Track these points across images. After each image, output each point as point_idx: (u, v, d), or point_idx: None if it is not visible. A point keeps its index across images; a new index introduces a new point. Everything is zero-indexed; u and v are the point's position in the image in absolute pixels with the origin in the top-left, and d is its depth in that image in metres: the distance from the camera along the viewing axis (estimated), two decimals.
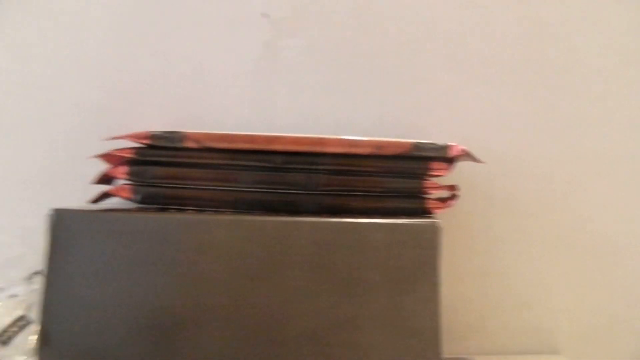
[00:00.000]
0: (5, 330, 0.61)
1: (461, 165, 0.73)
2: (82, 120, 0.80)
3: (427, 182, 0.64)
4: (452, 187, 0.67)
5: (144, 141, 0.64)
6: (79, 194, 0.75)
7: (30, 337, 0.63)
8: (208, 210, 0.64)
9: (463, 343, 0.80)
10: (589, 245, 0.81)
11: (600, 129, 0.81)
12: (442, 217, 0.66)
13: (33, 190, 0.80)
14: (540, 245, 0.81)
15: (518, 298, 0.81)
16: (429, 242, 0.58)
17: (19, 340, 0.62)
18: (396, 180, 0.64)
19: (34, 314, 0.65)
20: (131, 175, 0.65)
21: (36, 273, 0.68)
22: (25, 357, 0.63)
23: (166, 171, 0.65)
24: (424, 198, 0.64)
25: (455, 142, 0.65)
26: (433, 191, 0.64)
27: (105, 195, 0.67)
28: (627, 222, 0.81)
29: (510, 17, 0.80)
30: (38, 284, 0.66)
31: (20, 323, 0.62)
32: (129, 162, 0.65)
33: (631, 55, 0.81)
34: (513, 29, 0.80)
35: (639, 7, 0.81)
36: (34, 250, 0.69)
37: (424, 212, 0.64)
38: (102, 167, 0.68)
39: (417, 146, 0.63)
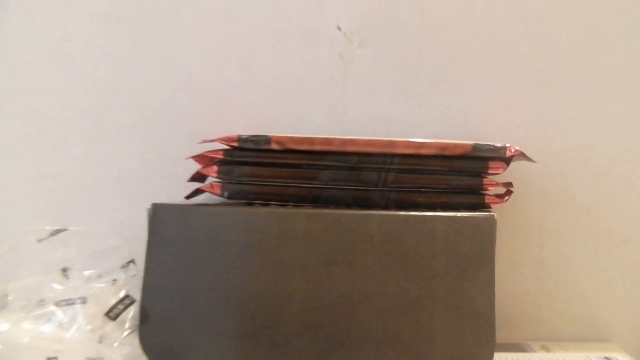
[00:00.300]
0: (113, 308, 0.63)
1: (520, 165, 0.75)
2: (171, 125, 0.83)
3: (485, 179, 0.65)
4: (507, 184, 0.68)
5: (233, 144, 0.66)
6: (167, 191, 0.82)
7: (133, 314, 0.65)
8: (290, 205, 0.66)
9: (520, 329, 0.81)
10: None
11: None
12: (502, 212, 0.68)
13: (126, 188, 0.83)
14: (594, 239, 0.81)
15: (572, 288, 0.81)
16: (486, 233, 0.59)
17: (124, 316, 0.64)
18: (458, 178, 0.65)
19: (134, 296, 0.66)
20: (221, 174, 0.67)
21: (130, 262, 0.70)
22: (130, 331, 0.65)
23: (252, 170, 0.66)
24: (483, 194, 0.66)
25: (513, 144, 0.66)
26: (491, 188, 0.65)
27: (197, 192, 0.70)
28: None
29: (566, 27, 0.81)
30: (133, 271, 0.69)
31: (126, 301, 0.64)
32: (219, 162, 0.67)
33: None
34: (569, 38, 0.80)
35: None
36: (127, 241, 0.71)
37: (483, 207, 0.65)
38: (189, 167, 0.71)
39: (477, 147, 0.64)
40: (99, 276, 0.71)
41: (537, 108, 0.81)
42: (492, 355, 0.58)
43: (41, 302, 0.68)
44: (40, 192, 0.84)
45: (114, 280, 0.70)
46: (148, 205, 0.64)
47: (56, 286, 0.69)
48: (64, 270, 0.71)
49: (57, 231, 0.72)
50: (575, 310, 0.82)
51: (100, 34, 0.83)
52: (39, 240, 0.71)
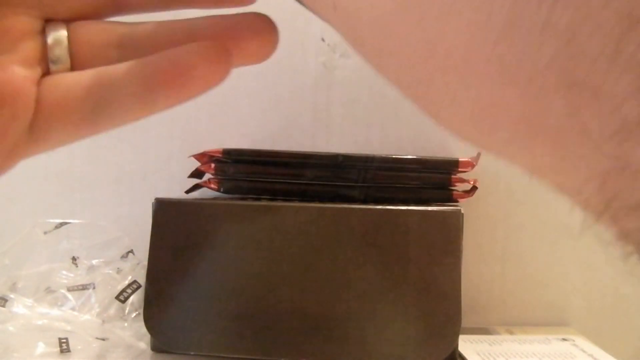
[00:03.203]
0: (122, 292, 0.67)
1: (489, 166, 0.77)
2: (167, 128, 0.85)
3: (453, 176, 0.69)
4: (473, 181, 0.71)
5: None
6: (163, 187, 0.84)
7: (139, 298, 0.69)
8: (279, 199, 0.69)
9: (486, 315, 0.83)
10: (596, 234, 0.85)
11: None
12: (471, 209, 0.70)
13: (126, 185, 0.85)
14: (554, 232, 0.82)
15: (534, 277, 0.83)
16: (453, 225, 0.62)
17: (132, 299, 0.68)
18: (429, 175, 0.69)
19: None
20: (218, 171, 0.70)
21: (129, 252, 0.75)
22: (137, 312, 0.70)
23: (246, 168, 0.70)
24: (451, 190, 0.69)
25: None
26: (458, 184, 0.69)
27: (196, 187, 0.72)
28: None
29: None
30: (132, 261, 0.73)
31: (133, 286, 0.68)
32: (217, 160, 0.70)
33: None
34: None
35: None
36: (126, 233, 0.76)
37: (451, 201, 0.69)
38: (183, 166, 0.74)
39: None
40: (105, 264, 0.74)
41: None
42: (458, 332, 0.61)
43: (49, 289, 0.72)
44: (47, 189, 0.86)
45: (119, 269, 0.73)
46: (146, 200, 0.68)
47: (66, 273, 0.73)
48: (74, 259, 0.75)
49: (62, 224, 0.75)
50: (537, 297, 0.84)
51: None
52: (46, 233, 0.74)
